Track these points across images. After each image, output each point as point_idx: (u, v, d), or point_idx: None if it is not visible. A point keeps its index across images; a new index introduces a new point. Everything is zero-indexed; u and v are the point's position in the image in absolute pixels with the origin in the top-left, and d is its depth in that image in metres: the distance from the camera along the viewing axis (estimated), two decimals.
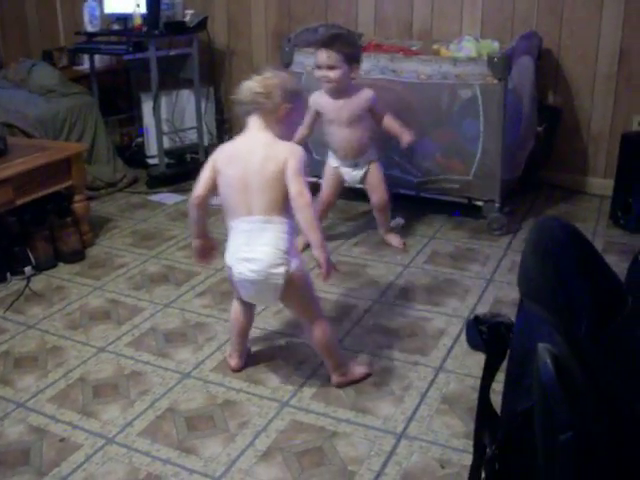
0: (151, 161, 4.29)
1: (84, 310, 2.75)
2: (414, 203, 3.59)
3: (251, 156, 1.99)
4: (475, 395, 2.04)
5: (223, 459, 1.92)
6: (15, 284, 3.01)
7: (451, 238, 3.29)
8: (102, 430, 2.06)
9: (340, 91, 2.98)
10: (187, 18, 4.11)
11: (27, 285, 2.98)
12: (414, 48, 3.67)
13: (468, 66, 3.13)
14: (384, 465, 1.88)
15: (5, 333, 2.62)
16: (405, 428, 2.02)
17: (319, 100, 3.04)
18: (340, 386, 2.19)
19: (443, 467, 1.87)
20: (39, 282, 3.02)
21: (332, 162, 3.17)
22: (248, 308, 2.22)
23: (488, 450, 1.21)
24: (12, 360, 2.44)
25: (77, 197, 3.24)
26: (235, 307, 2.23)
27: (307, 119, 3.00)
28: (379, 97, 3.22)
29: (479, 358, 2.20)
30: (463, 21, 3.90)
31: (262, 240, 1.98)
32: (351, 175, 3.16)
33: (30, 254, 3.09)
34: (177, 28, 4.03)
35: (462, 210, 3.51)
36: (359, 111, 3.02)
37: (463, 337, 2.45)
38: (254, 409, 2.12)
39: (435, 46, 3.68)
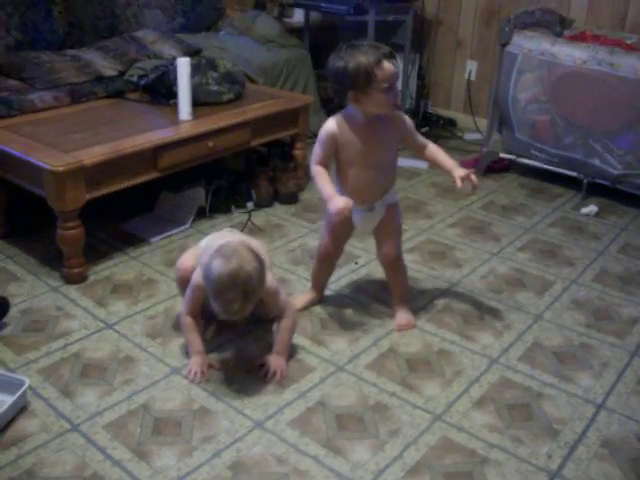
0: None
1: (304, 248, 3.06)
2: (606, 193, 3.72)
3: None
4: None
5: (442, 400, 2.18)
6: (238, 217, 3.35)
7: None
8: (332, 358, 2.36)
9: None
10: None
11: (249, 219, 3.31)
12: (629, 42, 3.75)
13: None
14: (586, 429, 2.09)
15: None
16: (604, 400, 2.21)
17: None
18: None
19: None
20: (259, 217, 3.35)
21: None
22: None
23: None
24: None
25: (298, 144, 3.55)
26: None
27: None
28: (592, 89, 3.35)
29: None
30: None
31: None
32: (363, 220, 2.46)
33: (252, 191, 3.43)
34: None
35: None
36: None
37: None
38: (466, 361, 2.37)
39: None
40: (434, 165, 2.41)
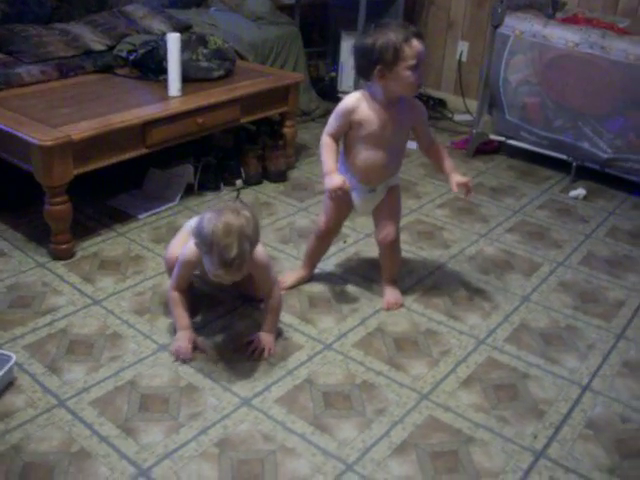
0: (342, 96, 4.52)
1: (292, 227, 3.06)
2: (595, 177, 3.73)
3: None
4: None
5: (429, 379, 2.19)
6: (226, 194, 3.34)
7: (631, 216, 3.42)
8: (319, 337, 2.36)
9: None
10: None
11: (238, 196, 3.30)
12: (621, 25, 3.74)
13: None
14: (570, 410, 2.10)
15: None
16: (589, 382, 2.23)
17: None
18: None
19: (623, 423, 2.07)
20: (247, 195, 3.34)
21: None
22: None
23: None
24: None
25: (288, 122, 3.54)
26: None
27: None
28: (583, 72, 3.34)
29: None
30: None
31: None
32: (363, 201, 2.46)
33: (241, 169, 3.41)
34: None
35: None
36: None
37: None
38: (454, 341, 2.38)
39: None
40: (434, 163, 2.44)
